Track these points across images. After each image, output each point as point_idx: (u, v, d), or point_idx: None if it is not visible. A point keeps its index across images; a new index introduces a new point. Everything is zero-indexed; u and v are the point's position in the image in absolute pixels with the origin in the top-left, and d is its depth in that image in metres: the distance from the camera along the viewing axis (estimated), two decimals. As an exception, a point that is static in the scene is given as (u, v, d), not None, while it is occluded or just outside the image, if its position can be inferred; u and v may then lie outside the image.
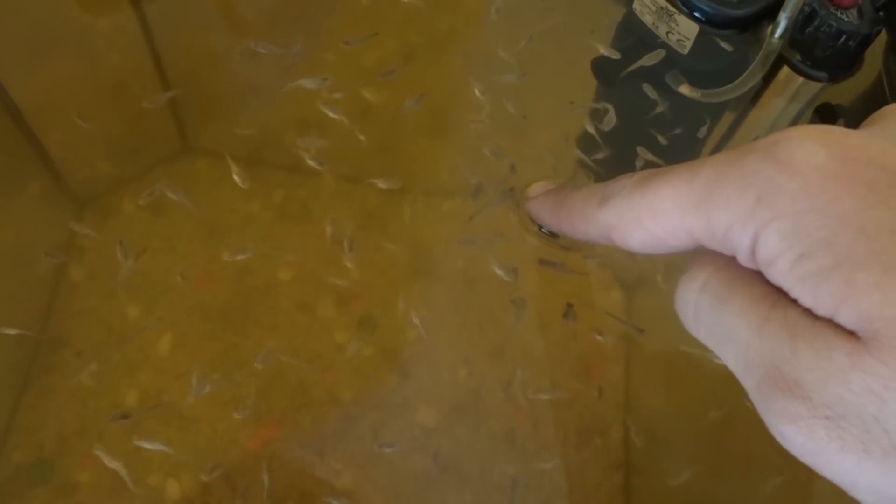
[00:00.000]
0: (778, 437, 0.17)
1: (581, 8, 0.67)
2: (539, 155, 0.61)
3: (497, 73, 0.63)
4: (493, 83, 0.63)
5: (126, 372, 0.52)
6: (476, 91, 0.62)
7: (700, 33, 0.58)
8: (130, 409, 0.51)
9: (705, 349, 0.20)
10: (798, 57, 0.61)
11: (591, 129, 0.60)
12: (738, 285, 0.18)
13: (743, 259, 0.18)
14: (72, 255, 0.55)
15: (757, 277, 0.18)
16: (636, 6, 0.61)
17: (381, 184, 0.58)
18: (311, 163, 0.57)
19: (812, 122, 0.64)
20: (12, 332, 0.50)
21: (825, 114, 0.63)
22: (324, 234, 0.58)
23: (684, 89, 0.58)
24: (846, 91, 0.63)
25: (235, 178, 0.56)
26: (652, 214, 0.20)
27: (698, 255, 0.20)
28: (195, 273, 0.56)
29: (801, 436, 0.16)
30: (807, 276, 0.16)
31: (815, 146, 0.17)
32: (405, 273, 0.58)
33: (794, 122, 0.64)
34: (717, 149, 0.63)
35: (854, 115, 0.64)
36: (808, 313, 0.16)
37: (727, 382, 0.18)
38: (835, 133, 0.18)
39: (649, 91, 0.57)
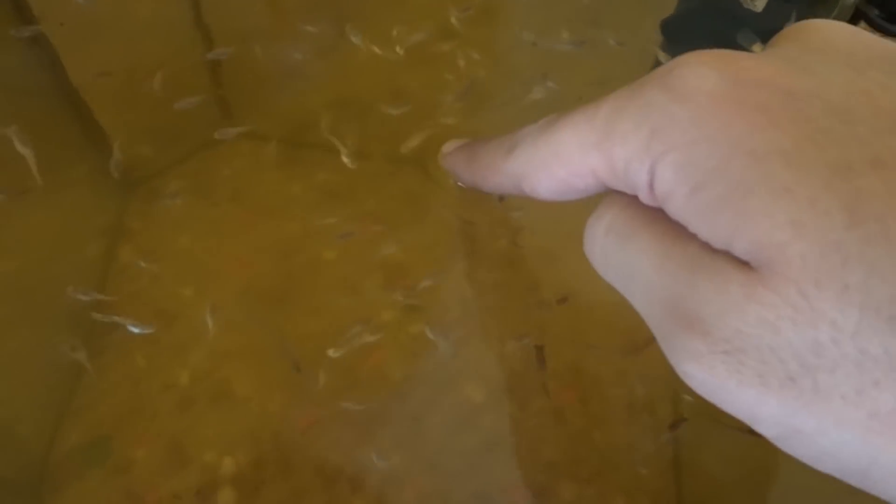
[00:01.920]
0: (682, 377, 0.16)
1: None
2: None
3: (553, 39, 0.63)
4: (552, 52, 0.63)
5: (177, 352, 0.53)
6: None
7: None
8: (182, 388, 0.52)
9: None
10: (875, 12, 0.59)
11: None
12: (640, 223, 0.18)
13: (643, 196, 0.17)
14: (121, 237, 0.55)
15: (659, 215, 0.17)
16: None
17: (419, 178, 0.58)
18: (345, 160, 0.57)
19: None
20: (84, 297, 0.50)
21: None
22: (366, 214, 0.58)
23: (757, 48, 0.57)
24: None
25: (344, 159, 0.56)
26: (557, 158, 0.19)
27: (604, 198, 0.19)
28: (241, 254, 0.56)
29: (702, 373, 0.15)
30: (701, 207, 0.16)
31: (707, 71, 0.17)
32: (450, 250, 0.58)
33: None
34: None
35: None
36: (706, 247, 0.16)
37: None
38: (729, 56, 0.17)
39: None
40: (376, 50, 0.62)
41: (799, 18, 0.58)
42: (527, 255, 0.59)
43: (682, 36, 0.60)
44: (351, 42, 0.62)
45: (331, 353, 0.52)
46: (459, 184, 0.25)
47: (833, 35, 0.19)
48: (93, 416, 0.51)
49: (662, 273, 0.17)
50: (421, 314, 0.56)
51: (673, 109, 0.16)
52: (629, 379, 0.56)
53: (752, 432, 0.16)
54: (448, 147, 0.26)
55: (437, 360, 0.55)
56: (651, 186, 0.17)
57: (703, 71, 0.17)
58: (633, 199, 0.18)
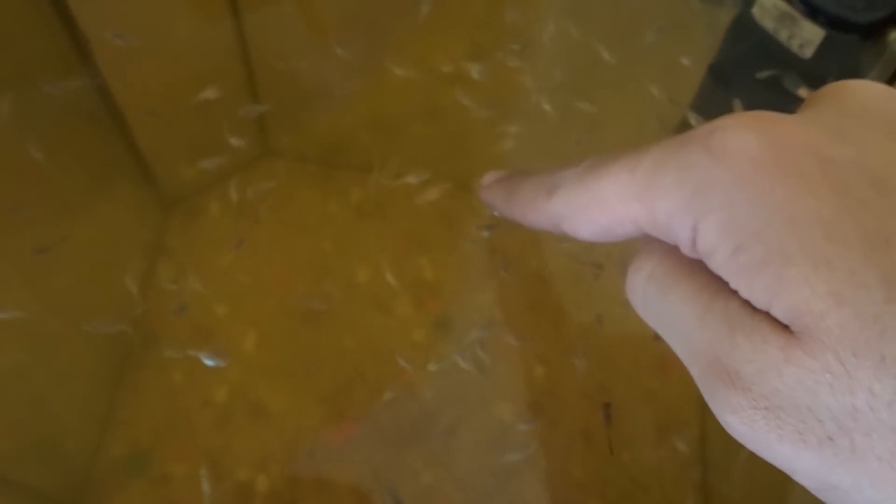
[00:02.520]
0: (723, 425, 0.17)
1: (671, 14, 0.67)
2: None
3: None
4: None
5: (214, 369, 0.54)
6: (545, 105, 0.62)
7: (824, 38, 0.58)
8: (219, 405, 0.53)
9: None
10: None
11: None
12: (681, 274, 0.19)
13: (685, 249, 0.18)
14: (161, 255, 0.57)
15: (699, 266, 0.18)
16: (755, 10, 0.61)
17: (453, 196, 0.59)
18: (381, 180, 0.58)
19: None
20: (109, 329, 0.52)
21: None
22: (400, 233, 0.59)
23: (803, 92, 0.57)
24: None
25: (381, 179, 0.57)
26: (598, 205, 0.20)
27: (644, 246, 0.20)
28: (278, 272, 0.57)
29: (743, 425, 0.16)
30: (742, 268, 0.16)
31: (749, 135, 0.17)
32: (481, 272, 0.58)
33: None
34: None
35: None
36: (747, 305, 0.17)
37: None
38: (769, 120, 0.18)
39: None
40: (411, 72, 0.63)
41: (845, 66, 0.58)
42: (556, 276, 0.60)
43: (729, 79, 0.61)
44: (385, 64, 0.63)
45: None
46: (495, 213, 0.26)
47: (871, 99, 0.19)
48: (133, 430, 0.52)
49: (703, 327, 0.17)
50: (452, 334, 0.57)
51: (716, 171, 0.17)
52: (658, 400, 0.57)
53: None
54: (487, 179, 0.27)
55: (468, 380, 0.56)
56: (693, 242, 0.18)
57: (744, 135, 0.17)
58: (672, 249, 0.19)
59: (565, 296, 0.58)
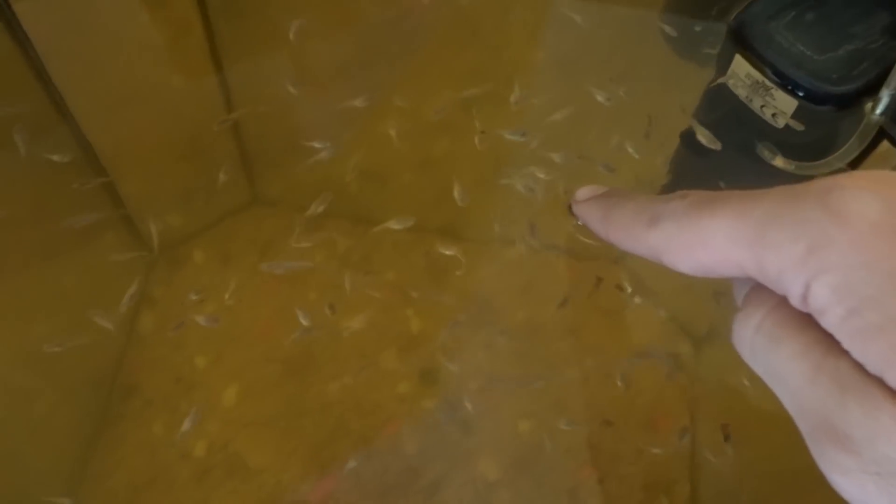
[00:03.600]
0: (831, 484, 0.17)
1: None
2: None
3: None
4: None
5: (194, 422, 0.53)
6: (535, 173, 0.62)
7: (798, 109, 0.58)
8: (198, 459, 0.52)
9: (775, 402, 0.20)
10: None
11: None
12: (792, 328, 0.18)
13: (795, 302, 0.18)
14: (144, 304, 0.56)
15: (809, 321, 0.18)
16: (729, 79, 0.61)
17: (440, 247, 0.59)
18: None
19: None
20: (88, 380, 0.51)
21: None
22: (386, 283, 0.59)
23: (778, 161, 0.57)
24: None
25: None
26: (702, 245, 0.20)
27: (753, 293, 0.20)
28: (261, 323, 0.57)
29: (853, 487, 0.16)
30: (856, 332, 0.16)
31: (870, 197, 0.17)
32: (467, 324, 0.58)
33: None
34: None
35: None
36: (859, 367, 0.16)
37: (796, 437, 0.19)
38: (888, 182, 0.18)
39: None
40: (400, 122, 0.63)
41: (821, 136, 0.59)
42: (548, 327, 0.59)
43: (701, 145, 0.60)
44: (375, 112, 0.64)
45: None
46: (579, 223, 0.25)
47: None
48: (110, 484, 0.51)
49: (814, 385, 0.17)
50: (437, 387, 0.56)
51: (832, 231, 0.17)
52: (646, 457, 0.56)
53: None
54: (583, 194, 0.26)
55: (452, 434, 0.55)
56: (804, 298, 0.18)
57: (864, 196, 0.17)
58: (782, 301, 0.19)
59: (552, 348, 0.58)
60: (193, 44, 0.65)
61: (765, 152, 0.57)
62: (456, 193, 0.60)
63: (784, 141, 0.59)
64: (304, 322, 0.56)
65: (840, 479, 0.16)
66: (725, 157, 0.60)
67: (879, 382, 0.16)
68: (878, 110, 0.56)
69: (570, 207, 0.25)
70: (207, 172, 0.57)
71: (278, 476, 0.53)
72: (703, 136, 0.58)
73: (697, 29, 0.68)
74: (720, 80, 0.62)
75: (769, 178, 0.59)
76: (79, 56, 0.64)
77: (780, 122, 0.58)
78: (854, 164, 0.60)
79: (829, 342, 0.17)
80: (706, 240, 0.19)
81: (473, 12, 0.72)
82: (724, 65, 0.62)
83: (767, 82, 0.58)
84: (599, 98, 0.64)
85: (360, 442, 0.54)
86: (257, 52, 0.66)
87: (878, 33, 0.58)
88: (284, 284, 0.58)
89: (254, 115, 0.62)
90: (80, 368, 0.52)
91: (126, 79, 0.62)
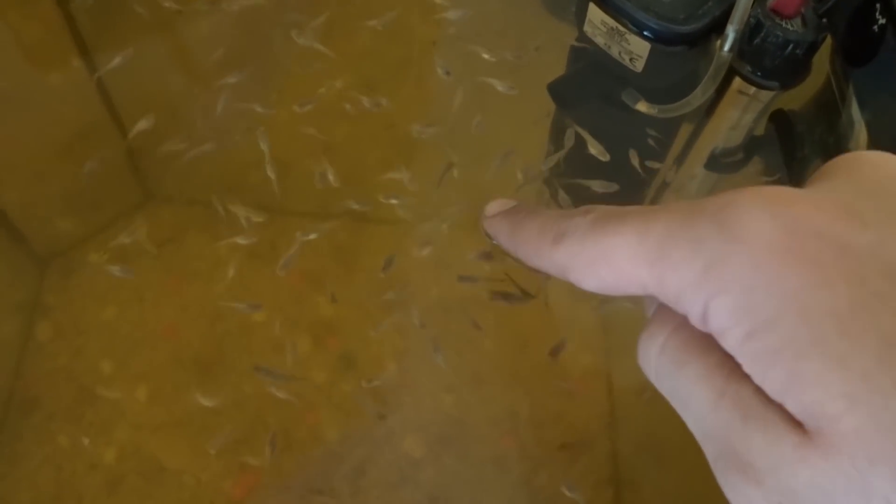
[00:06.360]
0: None
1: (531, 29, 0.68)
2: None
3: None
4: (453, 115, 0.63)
5: (102, 430, 0.51)
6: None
7: (651, 51, 0.60)
8: (109, 467, 0.50)
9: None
10: (748, 68, 0.62)
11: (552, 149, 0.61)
12: (695, 350, 0.18)
13: (696, 322, 0.18)
14: (37, 313, 0.53)
15: (712, 342, 0.18)
16: (587, 28, 0.62)
17: (354, 204, 0.58)
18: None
19: (767, 129, 0.65)
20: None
21: (780, 120, 0.65)
22: (295, 272, 0.58)
23: (641, 106, 0.59)
24: (798, 96, 0.65)
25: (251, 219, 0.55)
26: (606, 263, 0.19)
27: (657, 313, 0.20)
28: (166, 323, 0.55)
29: None
30: (755, 355, 0.16)
31: (763, 215, 0.17)
32: (380, 305, 0.57)
33: (751, 130, 0.65)
34: (681, 159, 0.64)
35: (807, 119, 0.65)
36: (760, 393, 0.16)
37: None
38: (783, 199, 0.17)
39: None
40: (302, 108, 0.62)
41: (678, 77, 0.60)
42: (458, 305, 0.59)
43: (569, 96, 0.61)
44: (270, 103, 0.62)
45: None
46: (495, 242, 0.25)
47: (888, 176, 0.19)
48: (13, 504, 0.48)
49: (717, 412, 0.17)
50: (354, 371, 0.55)
51: (727, 249, 0.17)
52: (564, 419, 0.57)
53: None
54: (491, 209, 0.25)
55: (373, 417, 0.54)
56: (704, 318, 0.17)
57: (759, 215, 0.17)
58: (685, 320, 0.19)
59: (467, 324, 0.58)
60: (64, 42, 0.62)
61: (629, 98, 0.58)
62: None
63: (646, 86, 0.60)
64: (212, 317, 0.55)
65: None
66: (593, 107, 0.62)
67: (780, 409, 0.16)
68: (726, 47, 0.58)
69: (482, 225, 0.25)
70: (92, 173, 0.54)
71: (198, 475, 0.51)
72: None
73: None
74: (581, 30, 0.63)
75: (637, 124, 0.62)
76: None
77: (638, 67, 0.60)
78: (713, 103, 0.62)
79: (732, 365, 0.17)
80: (608, 257, 0.19)
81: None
82: (582, 15, 0.63)
83: (620, 28, 0.59)
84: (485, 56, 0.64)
85: (280, 434, 0.53)
86: (130, 47, 0.64)
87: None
88: (188, 280, 0.56)
89: (137, 111, 0.60)
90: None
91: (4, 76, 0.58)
